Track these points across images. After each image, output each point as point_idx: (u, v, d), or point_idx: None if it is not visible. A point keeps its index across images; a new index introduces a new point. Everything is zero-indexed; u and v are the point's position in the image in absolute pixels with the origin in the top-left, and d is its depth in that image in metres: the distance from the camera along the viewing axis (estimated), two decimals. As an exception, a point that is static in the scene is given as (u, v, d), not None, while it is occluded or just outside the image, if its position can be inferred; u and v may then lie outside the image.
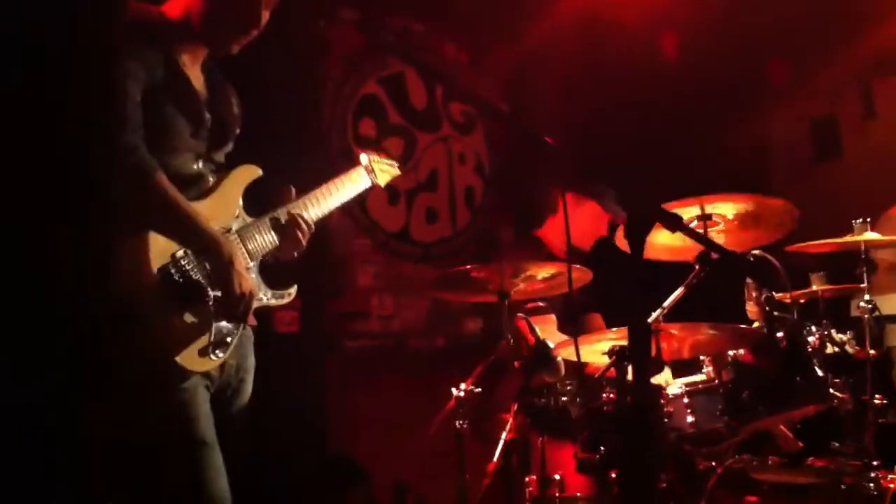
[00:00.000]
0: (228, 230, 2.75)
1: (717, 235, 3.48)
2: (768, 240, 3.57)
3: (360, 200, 5.65)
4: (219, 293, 2.61)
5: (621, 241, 3.14)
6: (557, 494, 3.30)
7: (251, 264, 2.80)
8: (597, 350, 3.32)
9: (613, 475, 3.18)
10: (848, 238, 3.88)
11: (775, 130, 7.22)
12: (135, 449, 2.43)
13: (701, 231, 3.36)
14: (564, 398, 3.38)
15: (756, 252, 3.47)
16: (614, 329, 3.31)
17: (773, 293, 3.49)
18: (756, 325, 3.50)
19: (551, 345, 3.33)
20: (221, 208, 2.75)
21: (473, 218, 6.23)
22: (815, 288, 4.04)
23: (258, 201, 2.89)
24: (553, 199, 4.51)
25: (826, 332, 3.57)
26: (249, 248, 2.79)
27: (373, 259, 5.75)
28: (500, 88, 6.37)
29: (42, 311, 1.39)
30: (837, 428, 3.61)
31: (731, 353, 3.43)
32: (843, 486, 3.34)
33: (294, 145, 4.93)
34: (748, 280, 3.48)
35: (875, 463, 3.41)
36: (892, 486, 3.29)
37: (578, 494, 3.36)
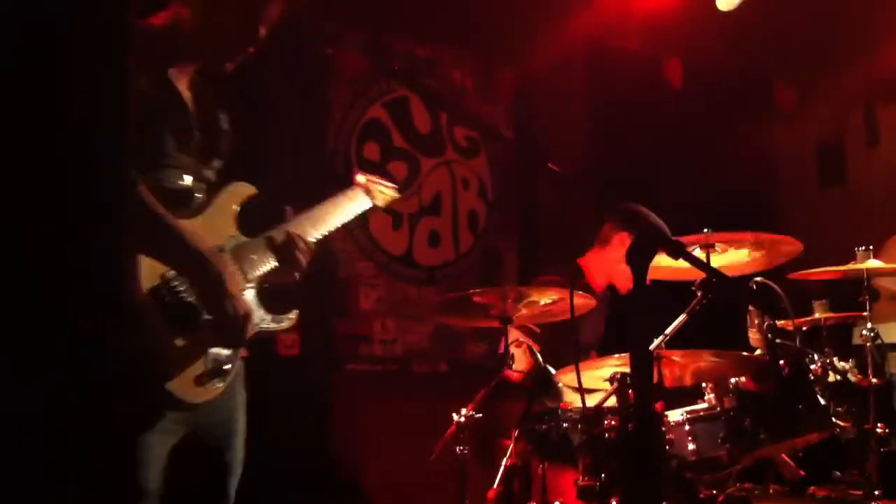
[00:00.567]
0: (222, 249, 2.59)
1: (719, 260, 3.49)
2: (770, 266, 3.57)
3: (363, 224, 5.69)
4: (211, 318, 2.45)
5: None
6: (558, 521, 3.29)
7: (247, 286, 2.64)
8: (598, 376, 3.32)
9: (615, 502, 3.17)
10: (851, 266, 3.88)
11: (780, 156, 7.23)
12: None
13: (703, 257, 3.36)
14: (566, 424, 3.37)
15: (758, 279, 3.47)
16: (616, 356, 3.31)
17: (776, 320, 3.49)
18: (758, 352, 3.49)
19: (553, 371, 3.33)
20: (214, 226, 2.60)
21: (476, 242, 6.23)
22: (817, 315, 4.04)
23: (254, 222, 2.75)
24: (607, 233, 4.38)
25: (828, 360, 3.56)
26: (245, 268, 2.64)
27: (375, 282, 5.76)
28: (505, 113, 6.39)
29: (42, 310, 1.39)
30: (840, 456, 3.61)
31: (733, 380, 3.42)
32: (845, 516, 3.33)
33: (299, 168, 4.95)
34: (750, 307, 3.47)
35: (877, 492, 3.40)
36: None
37: (579, 521, 3.35)
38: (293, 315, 2.80)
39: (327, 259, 5.53)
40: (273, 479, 4.54)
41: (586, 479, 3.22)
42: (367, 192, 3.12)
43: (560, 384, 3.30)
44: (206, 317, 2.46)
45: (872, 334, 3.74)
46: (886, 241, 4.69)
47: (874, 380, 3.65)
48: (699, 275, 3.12)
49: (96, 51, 1.42)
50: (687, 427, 3.36)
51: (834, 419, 3.42)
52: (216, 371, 2.50)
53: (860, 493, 3.42)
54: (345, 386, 5.44)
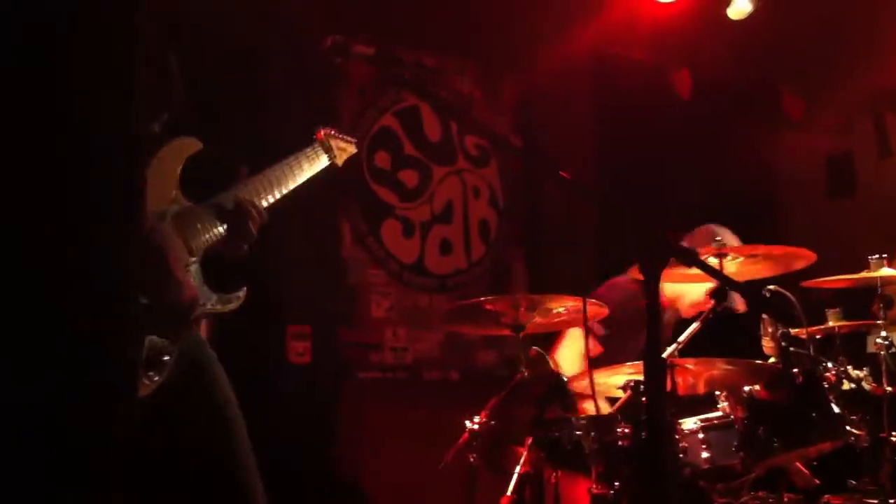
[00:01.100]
0: (162, 216, 2.30)
1: (732, 266, 3.49)
2: (783, 271, 3.58)
3: (374, 231, 5.70)
4: (146, 301, 2.15)
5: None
6: (571, 529, 3.28)
7: (192, 260, 2.36)
8: (612, 384, 3.32)
9: (628, 511, 3.16)
10: (864, 274, 3.88)
11: (790, 165, 7.23)
12: None
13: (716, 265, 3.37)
14: (579, 432, 3.36)
15: (772, 287, 3.47)
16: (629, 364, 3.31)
17: (789, 329, 3.48)
18: (772, 360, 3.49)
19: (566, 378, 3.33)
20: (154, 189, 2.30)
21: (488, 250, 6.24)
22: (831, 324, 4.02)
23: (200, 183, 2.44)
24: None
25: (842, 369, 3.55)
26: (189, 239, 2.35)
27: (387, 291, 5.76)
28: (511, 122, 6.40)
29: (42, 310, 1.39)
30: (854, 465, 3.59)
31: (746, 388, 3.41)
32: (859, 524, 3.32)
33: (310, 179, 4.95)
34: (764, 315, 3.47)
35: (892, 501, 3.39)
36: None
37: (592, 530, 3.33)
38: (242, 293, 2.51)
39: (339, 267, 5.54)
40: (283, 487, 4.53)
41: (599, 487, 3.22)
42: (327, 149, 2.88)
43: (573, 391, 3.29)
44: (142, 300, 2.15)
45: (887, 342, 3.73)
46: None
47: (889, 388, 3.64)
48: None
49: (99, 50, 1.42)
50: (700, 435, 3.35)
51: (848, 428, 3.40)
52: (152, 362, 2.23)
53: (875, 501, 3.41)
54: (355, 394, 5.44)
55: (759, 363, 3.39)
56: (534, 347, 3.51)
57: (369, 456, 5.30)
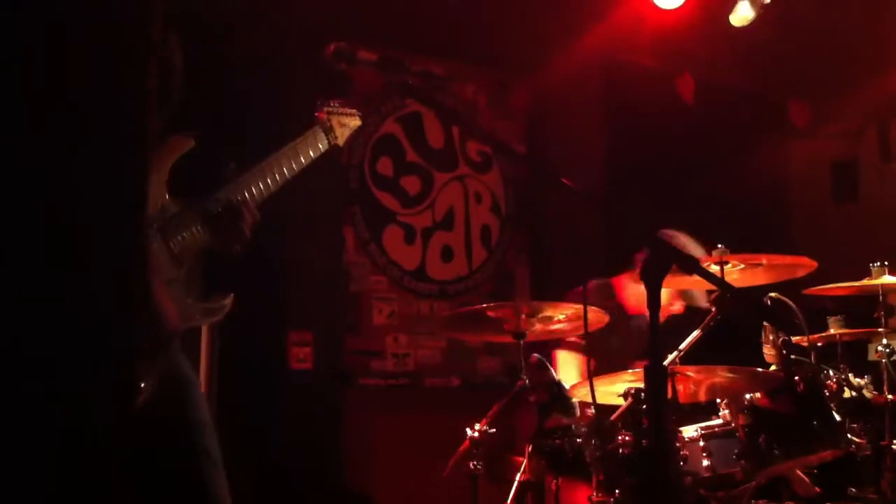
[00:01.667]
0: (149, 224, 2.22)
1: (733, 274, 3.49)
2: (785, 277, 3.58)
3: (376, 238, 5.70)
4: None
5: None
6: (572, 537, 3.28)
7: (179, 270, 2.29)
8: (612, 392, 3.31)
9: (628, 518, 3.16)
10: (866, 282, 3.87)
11: (794, 172, 7.23)
12: None
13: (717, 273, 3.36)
14: (580, 440, 3.36)
15: (773, 295, 3.46)
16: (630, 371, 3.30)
17: (791, 336, 3.48)
18: (773, 368, 3.48)
19: (567, 386, 3.32)
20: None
21: (490, 256, 6.23)
22: (832, 331, 4.02)
23: (188, 183, 2.36)
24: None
25: (844, 377, 3.55)
26: (174, 248, 2.26)
27: (388, 297, 5.76)
28: (519, 129, 6.40)
29: (42, 310, 1.39)
30: (855, 473, 3.58)
31: (747, 396, 3.41)
32: (860, 533, 3.31)
33: (313, 183, 4.96)
34: (765, 323, 3.46)
35: (894, 510, 3.38)
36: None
37: (593, 537, 3.33)
38: (227, 301, 2.44)
39: (341, 273, 5.54)
40: (282, 491, 4.53)
41: (600, 495, 3.21)
42: (328, 129, 2.77)
43: (574, 399, 3.29)
44: None
45: (888, 350, 3.72)
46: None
47: (890, 396, 3.63)
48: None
49: (111, 54, 1.42)
50: (701, 443, 3.35)
51: (849, 436, 3.40)
52: None
53: (876, 510, 3.40)
54: (356, 400, 5.43)
55: (760, 371, 3.38)
56: (535, 355, 3.50)
57: (370, 462, 5.29)
